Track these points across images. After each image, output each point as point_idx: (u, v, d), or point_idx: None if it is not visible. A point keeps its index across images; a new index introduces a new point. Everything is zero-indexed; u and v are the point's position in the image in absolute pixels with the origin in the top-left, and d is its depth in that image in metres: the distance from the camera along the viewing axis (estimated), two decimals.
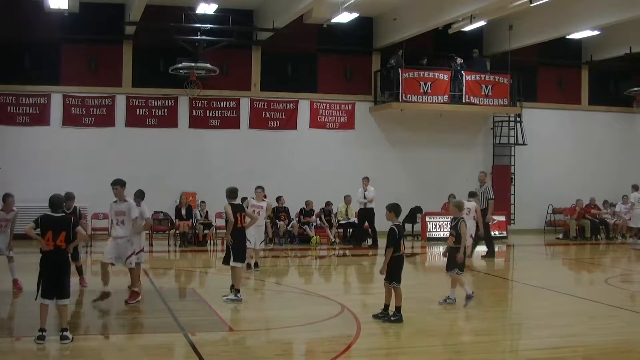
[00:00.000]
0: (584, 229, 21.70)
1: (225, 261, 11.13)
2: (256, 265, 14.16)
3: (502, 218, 21.28)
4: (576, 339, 8.86)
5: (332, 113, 22.16)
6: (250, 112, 21.47)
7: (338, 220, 20.20)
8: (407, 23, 20.44)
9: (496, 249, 17.62)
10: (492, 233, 18.29)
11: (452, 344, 8.72)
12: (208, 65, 19.60)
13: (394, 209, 9.73)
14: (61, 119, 20.09)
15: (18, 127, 19.79)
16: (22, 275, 11.32)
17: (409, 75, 21.25)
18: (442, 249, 14.80)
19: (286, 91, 21.78)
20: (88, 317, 9.99)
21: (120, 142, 20.27)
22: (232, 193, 11.25)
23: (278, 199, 19.94)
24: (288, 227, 19.87)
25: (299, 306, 11.00)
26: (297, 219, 20.22)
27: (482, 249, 16.98)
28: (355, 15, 19.11)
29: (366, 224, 19.37)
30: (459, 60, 22.04)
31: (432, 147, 22.65)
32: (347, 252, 18.93)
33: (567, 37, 21.75)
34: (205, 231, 19.08)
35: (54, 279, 8.24)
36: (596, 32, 20.87)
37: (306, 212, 20.17)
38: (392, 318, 9.45)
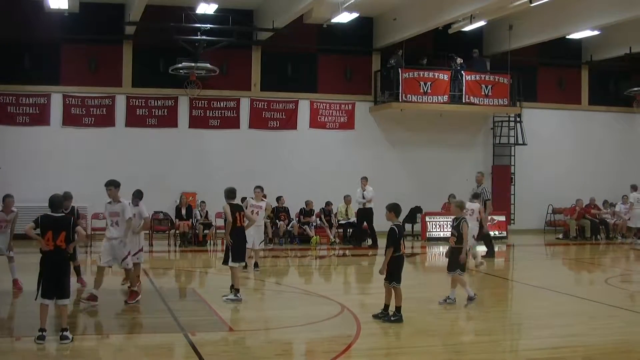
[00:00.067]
0: (584, 229, 21.70)
1: (225, 261, 11.15)
2: (256, 265, 14.17)
3: (502, 218, 21.30)
4: (576, 339, 8.86)
5: (332, 113, 22.16)
6: (250, 112, 21.47)
7: (338, 220, 20.20)
8: (407, 23, 20.44)
9: (496, 249, 17.63)
10: (492, 233, 18.33)
11: (452, 344, 8.72)
12: (208, 65, 19.60)
13: (394, 209, 9.73)
14: (61, 119, 20.09)
15: (18, 127, 19.79)
16: (22, 275, 11.32)
17: (409, 75, 21.25)
18: (442, 249, 14.81)
19: (286, 91, 21.78)
20: (88, 317, 9.99)
21: (120, 142, 20.28)
22: (230, 193, 11.29)
23: (278, 199, 19.95)
24: (288, 227, 19.87)
25: (299, 306, 11.00)
26: (297, 219, 20.22)
27: (482, 249, 16.96)
28: (355, 15, 19.10)
29: (365, 224, 19.36)
30: (459, 60, 22.04)
31: (432, 147, 22.65)
32: (347, 252, 18.93)
33: (567, 37, 21.75)
34: (205, 231, 19.08)
35: (54, 279, 8.25)
36: (596, 32, 20.87)
37: (306, 212, 20.17)
38: (392, 318, 9.45)
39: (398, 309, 9.45)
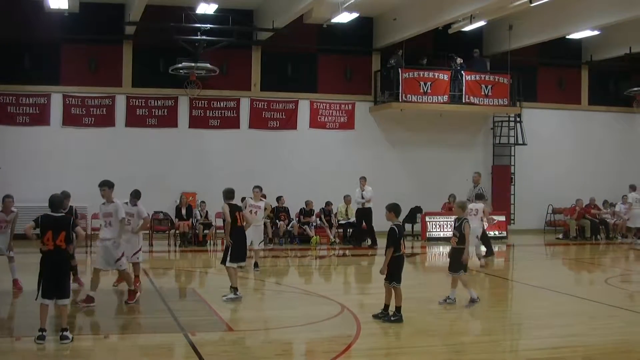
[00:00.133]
0: (584, 229, 21.70)
1: (223, 261, 11.15)
2: (256, 265, 14.17)
3: (502, 218, 21.29)
4: (576, 339, 8.86)
5: (332, 113, 22.16)
6: (250, 112, 21.47)
7: (338, 220, 20.20)
8: (407, 23, 20.43)
9: (495, 248, 17.62)
10: (492, 233, 18.31)
11: (452, 344, 8.72)
12: (208, 65, 19.60)
13: (393, 209, 9.73)
14: (61, 119, 20.09)
15: (18, 127, 19.79)
16: (22, 275, 11.33)
17: (409, 75, 21.25)
18: (442, 249, 14.81)
19: (286, 91, 21.78)
20: (88, 317, 9.99)
21: (120, 142, 20.27)
22: (229, 194, 11.32)
23: (278, 199, 19.95)
24: (288, 227, 19.86)
25: (299, 306, 11.00)
26: (297, 219, 20.22)
27: (482, 249, 16.96)
28: (355, 15, 19.10)
29: (364, 224, 19.35)
30: (459, 60, 22.04)
31: (432, 147, 22.65)
32: (347, 252, 18.93)
33: (567, 37, 21.74)
34: (205, 231, 19.08)
35: (54, 279, 8.25)
36: (596, 32, 20.86)
37: (306, 212, 20.17)
38: (392, 318, 9.45)
39: (398, 309, 9.45)
